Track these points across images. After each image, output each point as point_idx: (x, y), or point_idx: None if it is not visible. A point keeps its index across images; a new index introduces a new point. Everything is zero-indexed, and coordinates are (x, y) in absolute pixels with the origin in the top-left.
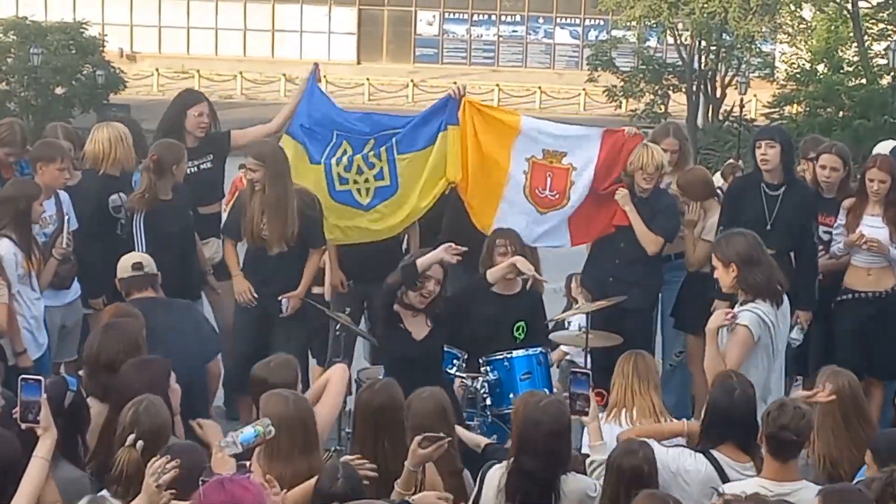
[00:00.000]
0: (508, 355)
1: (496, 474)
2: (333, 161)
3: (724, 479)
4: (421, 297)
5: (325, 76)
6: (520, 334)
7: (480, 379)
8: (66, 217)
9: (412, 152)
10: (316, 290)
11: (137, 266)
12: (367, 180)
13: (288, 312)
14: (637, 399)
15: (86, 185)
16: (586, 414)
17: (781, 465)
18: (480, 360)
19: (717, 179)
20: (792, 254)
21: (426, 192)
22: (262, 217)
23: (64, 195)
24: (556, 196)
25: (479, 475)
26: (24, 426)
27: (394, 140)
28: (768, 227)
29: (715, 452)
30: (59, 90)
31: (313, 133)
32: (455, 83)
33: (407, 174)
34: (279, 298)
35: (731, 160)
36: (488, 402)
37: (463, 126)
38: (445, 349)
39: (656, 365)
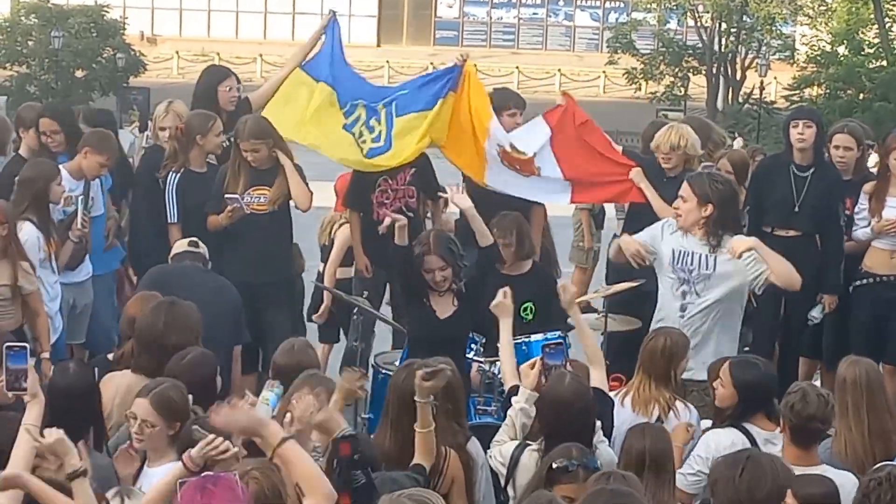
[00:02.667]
0: (526, 339)
1: (531, 457)
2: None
3: (756, 447)
4: (435, 286)
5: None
6: (527, 315)
7: (498, 363)
8: (91, 199)
9: (410, 113)
10: (340, 273)
11: (193, 244)
12: (364, 141)
13: None
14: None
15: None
16: None
17: (803, 452)
18: (498, 346)
19: (724, 164)
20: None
21: (408, 145)
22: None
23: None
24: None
25: (511, 458)
26: (11, 394)
27: (394, 103)
28: (796, 208)
29: (746, 425)
30: (79, 73)
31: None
32: (460, 56)
33: (401, 134)
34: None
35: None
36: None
37: (460, 92)
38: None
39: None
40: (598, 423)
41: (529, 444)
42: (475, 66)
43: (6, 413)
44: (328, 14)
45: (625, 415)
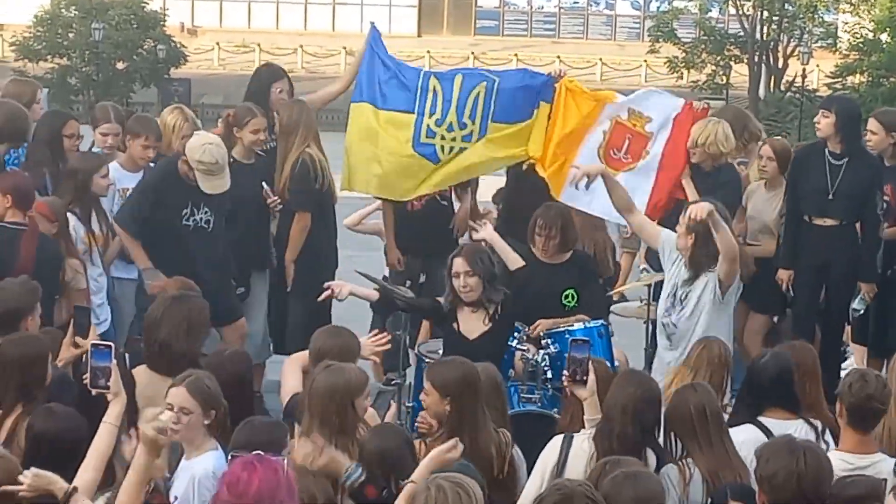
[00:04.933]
0: (569, 328)
1: (583, 444)
2: (427, 109)
3: None
4: (459, 293)
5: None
6: (570, 302)
7: (541, 352)
8: None
9: (506, 123)
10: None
11: None
12: (454, 139)
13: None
14: None
15: None
16: (584, 382)
17: (862, 437)
18: (542, 333)
19: (766, 151)
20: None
21: (497, 152)
22: None
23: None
24: (629, 159)
25: (562, 446)
26: (94, 392)
27: (494, 97)
28: (830, 196)
29: (762, 419)
30: (120, 65)
31: (396, 82)
32: (556, 70)
33: (493, 139)
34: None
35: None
36: (549, 375)
37: (556, 104)
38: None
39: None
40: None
41: (574, 435)
42: (563, 76)
43: (70, 409)
44: (370, 29)
45: None
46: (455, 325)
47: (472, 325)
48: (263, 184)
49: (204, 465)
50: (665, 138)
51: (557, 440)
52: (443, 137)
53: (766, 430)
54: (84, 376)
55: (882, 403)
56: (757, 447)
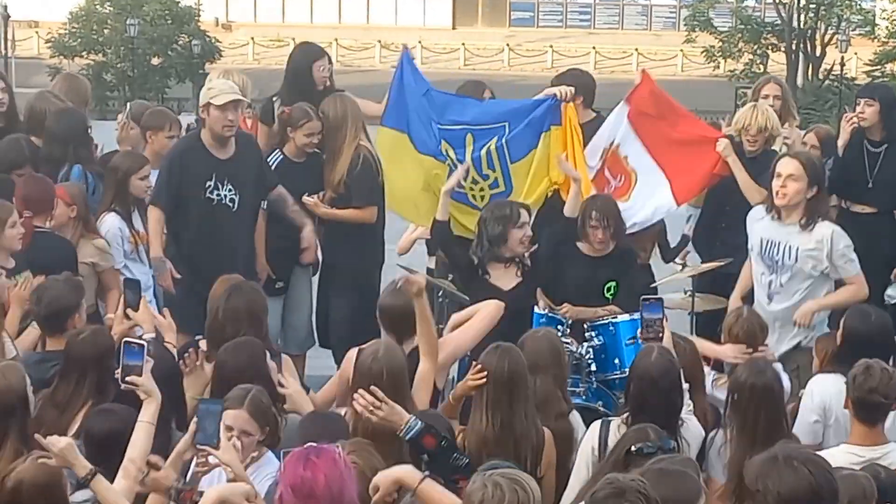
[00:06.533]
0: (613, 320)
1: (622, 428)
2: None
3: None
4: (522, 241)
5: (420, 42)
6: (611, 295)
7: (585, 344)
8: None
9: (523, 158)
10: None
11: None
12: (482, 189)
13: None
14: None
15: None
16: (660, 340)
17: (870, 429)
18: (585, 326)
19: (811, 138)
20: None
21: (532, 190)
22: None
23: None
24: (623, 180)
25: (600, 431)
26: (122, 386)
27: (504, 144)
28: (869, 184)
29: None
30: (155, 61)
31: (417, 125)
32: (560, 91)
33: (518, 175)
34: None
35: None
36: (593, 367)
37: (565, 126)
38: (549, 315)
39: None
40: (687, 396)
41: (611, 420)
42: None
43: (115, 406)
44: (402, 51)
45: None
46: (487, 277)
47: (506, 279)
48: (304, 197)
49: (270, 467)
50: (631, 134)
51: (596, 426)
52: (471, 189)
53: None
54: (116, 371)
55: (886, 397)
56: None
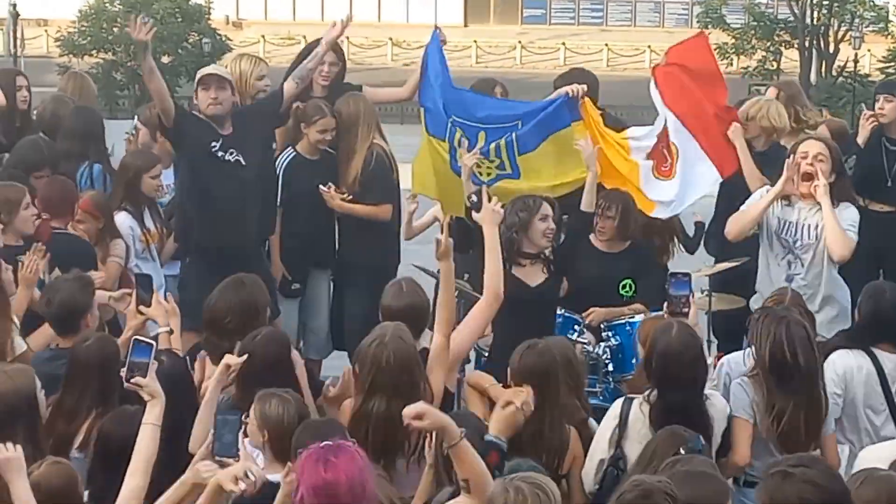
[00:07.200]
0: (630, 320)
1: (641, 409)
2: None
3: (882, 373)
4: (546, 234)
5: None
6: (627, 292)
7: (602, 344)
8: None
9: (530, 153)
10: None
11: None
12: (488, 167)
13: None
14: None
15: None
16: (686, 315)
17: None
18: (602, 325)
19: (822, 131)
20: None
21: (560, 176)
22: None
23: None
24: (668, 166)
25: (620, 413)
26: (126, 385)
27: (514, 138)
28: (888, 182)
29: (874, 349)
30: (165, 59)
31: (433, 111)
32: (573, 89)
33: (527, 167)
34: None
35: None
36: (610, 367)
37: (587, 120)
38: (566, 314)
39: None
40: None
41: (633, 398)
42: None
43: (127, 407)
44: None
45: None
46: (513, 272)
47: (532, 275)
48: (320, 186)
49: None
50: (666, 113)
51: (618, 403)
52: (478, 166)
53: (874, 357)
54: (121, 370)
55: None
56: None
